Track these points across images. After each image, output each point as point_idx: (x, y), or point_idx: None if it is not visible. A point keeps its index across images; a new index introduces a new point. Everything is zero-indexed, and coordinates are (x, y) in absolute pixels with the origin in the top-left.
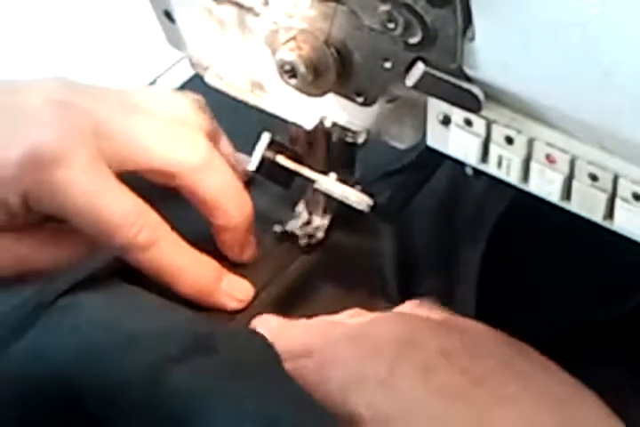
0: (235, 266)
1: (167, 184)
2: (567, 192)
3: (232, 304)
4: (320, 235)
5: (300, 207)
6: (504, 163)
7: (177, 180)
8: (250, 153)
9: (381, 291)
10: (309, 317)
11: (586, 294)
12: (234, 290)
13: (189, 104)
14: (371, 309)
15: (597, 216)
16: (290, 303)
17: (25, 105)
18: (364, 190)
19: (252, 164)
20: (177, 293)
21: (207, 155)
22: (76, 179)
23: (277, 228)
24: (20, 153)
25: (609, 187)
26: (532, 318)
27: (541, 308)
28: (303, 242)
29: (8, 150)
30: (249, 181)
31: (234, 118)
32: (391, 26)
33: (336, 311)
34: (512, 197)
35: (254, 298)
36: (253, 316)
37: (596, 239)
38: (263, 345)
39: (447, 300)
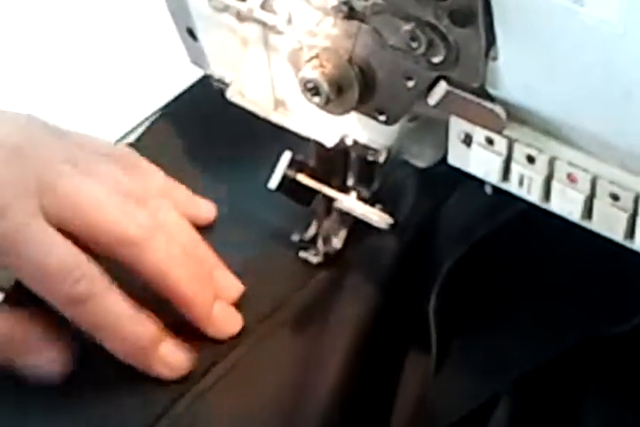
0: (248, 285)
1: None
2: (588, 211)
3: (164, 371)
4: (337, 244)
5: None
6: (525, 182)
7: (115, 252)
8: (261, 165)
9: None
10: (327, 338)
11: (595, 308)
12: (170, 357)
13: (141, 164)
14: (391, 327)
15: (618, 235)
16: (306, 322)
17: None
18: (383, 209)
19: (273, 182)
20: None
21: (147, 230)
22: (14, 230)
23: (295, 237)
24: None
25: (630, 206)
26: (537, 333)
27: (547, 323)
28: (321, 251)
29: None
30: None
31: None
32: (414, 45)
33: (356, 330)
34: (520, 210)
35: (269, 317)
36: (265, 336)
37: (606, 253)
38: None
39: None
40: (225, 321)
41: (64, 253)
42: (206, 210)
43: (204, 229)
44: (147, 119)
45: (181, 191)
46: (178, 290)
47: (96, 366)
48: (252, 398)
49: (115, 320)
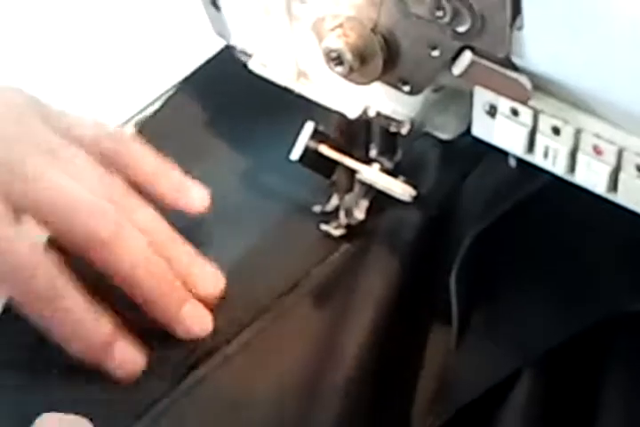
0: (269, 258)
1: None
2: (614, 184)
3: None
4: (360, 216)
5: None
6: (550, 153)
7: (84, 253)
8: (282, 137)
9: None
10: (349, 311)
11: (620, 283)
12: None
13: (131, 148)
14: (415, 300)
15: None
16: (328, 295)
17: None
18: (406, 181)
19: (295, 153)
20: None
21: (115, 231)
22: None
23: (317, 208)
24: None
25: None
26: (559, 308)
27: (570, 298)
28: (343, 223)
29: None
30: None
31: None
32: (439, 14)
33: (378, 303)
34: (545, 183)
35: (291, 289)
36: (287, 308)
37: (633, 226)
38: None
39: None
40: (193, 322)
41: (25, 250)
42: (199, 197)
43: (222, 202)
44: (168, 91)
45: (173, 176)
46: (143, 295)
47: None
48: (274, 369)
49: (73, 321)
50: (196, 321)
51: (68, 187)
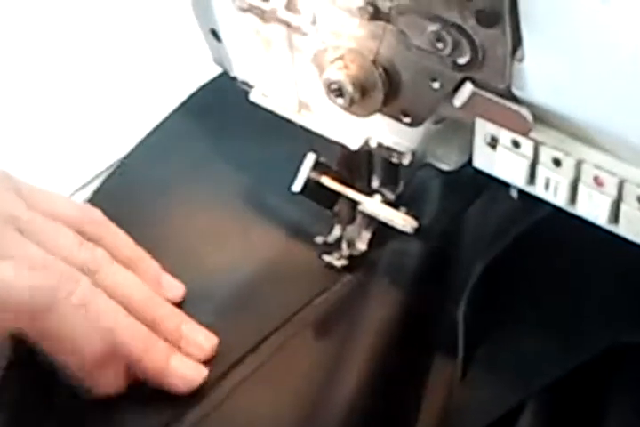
0: (270, 288)
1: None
2: (615, 215)
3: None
4: (362, 246)
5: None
6: (551, 185)
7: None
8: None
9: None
10: (351, 342)
11: (624, 314)
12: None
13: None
14: (417, 331)
15: None
16: (329, 325)
17: None
18: (408, 212)
19: (297, 185)
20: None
21: (86, 295)
22: None
23: (319, 239)
24: None
25: None
26: (564, 339)
27: (575, 329)
28: (345, 254)
29: None
30: None
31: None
32: (440, 46)
33: (380, 334)
34: (546, 215)
35: (292, 319)
36: (288, 338)
37: (636, 258)
38: None
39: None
40: (184, 372)
41: None
42: (174, 288)
43: (224, 232)
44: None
45: (151, 265)
46: (126, 355)
47: None
48: (272, 400)
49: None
50: (188, 370)
51: (38, 256)
